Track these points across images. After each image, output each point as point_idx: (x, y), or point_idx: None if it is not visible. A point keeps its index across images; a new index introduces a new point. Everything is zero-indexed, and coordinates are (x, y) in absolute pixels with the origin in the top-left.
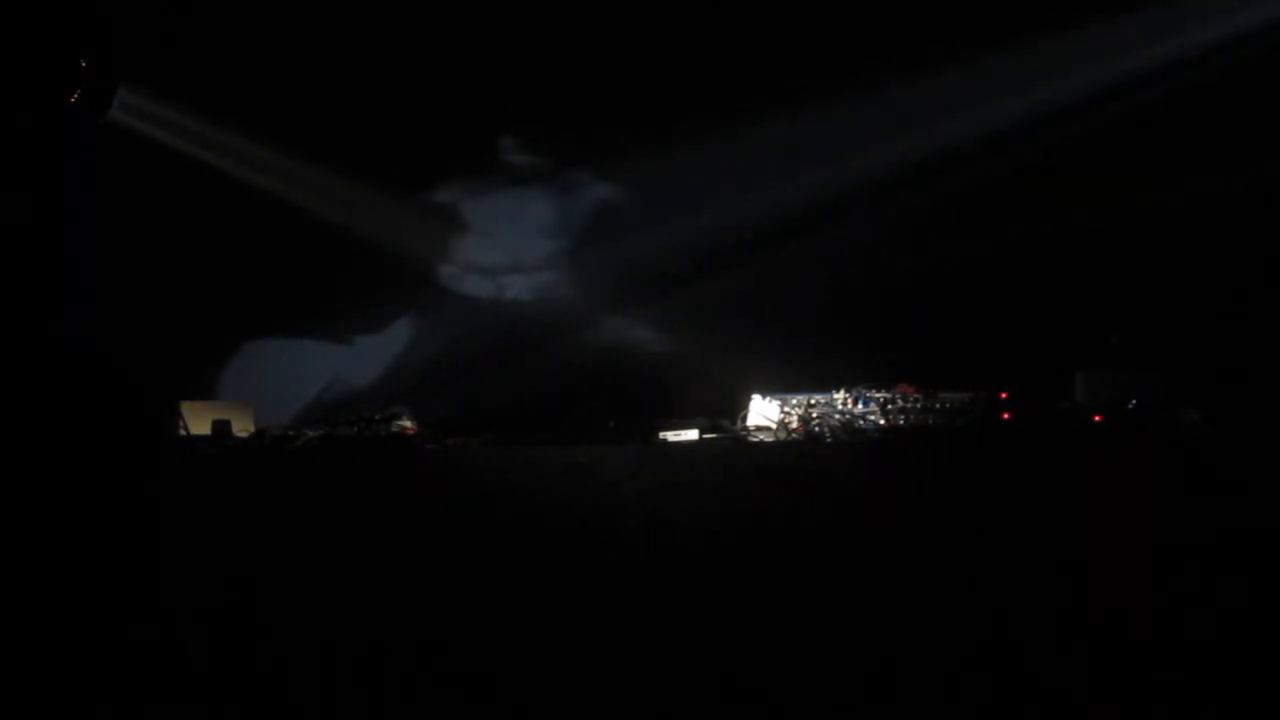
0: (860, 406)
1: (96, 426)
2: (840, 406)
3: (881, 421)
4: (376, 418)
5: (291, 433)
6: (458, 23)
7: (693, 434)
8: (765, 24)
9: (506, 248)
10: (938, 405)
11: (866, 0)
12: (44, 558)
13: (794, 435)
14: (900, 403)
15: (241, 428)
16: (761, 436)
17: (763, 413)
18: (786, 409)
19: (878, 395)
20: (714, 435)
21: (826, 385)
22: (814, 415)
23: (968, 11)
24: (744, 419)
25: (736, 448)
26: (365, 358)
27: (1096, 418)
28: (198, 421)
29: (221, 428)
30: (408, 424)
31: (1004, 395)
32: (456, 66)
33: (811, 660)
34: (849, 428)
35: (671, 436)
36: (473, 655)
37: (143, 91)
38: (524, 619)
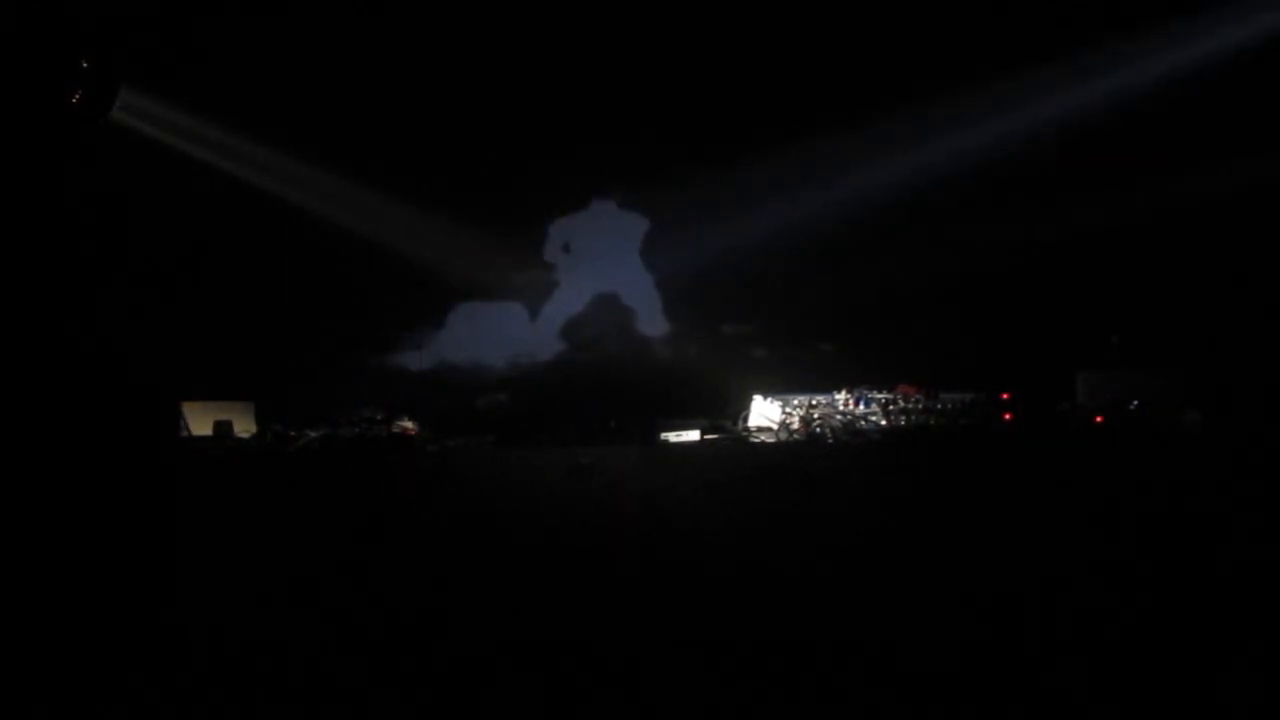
0: (862, 407)
1: (103, 427)
2: (841, 407)
3: (883, 422)
4: (378, 418)
5: (293, 433)
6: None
7: (694, 435)
8: (761, 33)
9: (510, 253)
10: (939, 406)
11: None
12: (48, 557)
13: (795, 436)
14: (902, 403)
15: (243, 428)
16: (763, 437)
17: (764, 413)
18: (788, 409)
19: (879, 396)
20: (715, 436)
21: (828, 386)
22: (815, 416)
23: (963, 16)
24: (745, 420)
25: (738, 448)
26: (368, 359)
27: (1098, 419)
28: (199, 421)
29: (223, 428)
30: (409, 424)
31: (1005, 396)
32: (457, 69)
33: (812, 659)
34: (850, 428)
35: (673, 437)
36: (474, 655)
37: (143, 91)
38: (525, 618)
